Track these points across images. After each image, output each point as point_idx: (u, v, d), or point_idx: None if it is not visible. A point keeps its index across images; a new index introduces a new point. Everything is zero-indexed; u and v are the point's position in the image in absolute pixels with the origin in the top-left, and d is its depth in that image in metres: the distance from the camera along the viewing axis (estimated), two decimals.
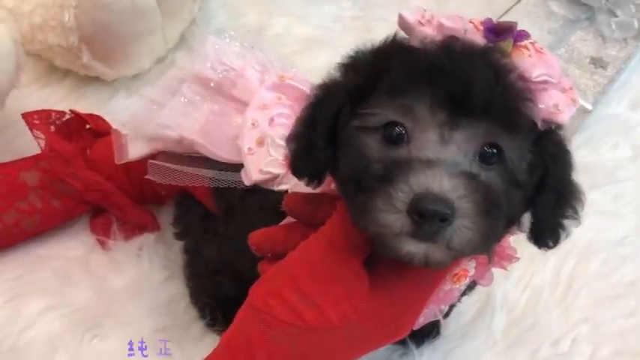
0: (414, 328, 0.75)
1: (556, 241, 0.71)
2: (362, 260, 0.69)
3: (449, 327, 1.09)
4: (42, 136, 1.13)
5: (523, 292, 1.16)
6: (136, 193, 1.15)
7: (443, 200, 0.59)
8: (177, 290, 1.12)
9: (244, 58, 1.04)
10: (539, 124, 0.66)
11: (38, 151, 1.14)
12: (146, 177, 1.02)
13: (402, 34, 0.70)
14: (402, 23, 0.70)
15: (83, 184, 1.10)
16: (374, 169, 0.64)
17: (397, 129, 0.65)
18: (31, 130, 1.14)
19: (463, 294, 0.83)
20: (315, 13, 1.58)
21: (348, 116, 0.67)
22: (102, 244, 1.16)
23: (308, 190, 0.73)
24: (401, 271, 0.68)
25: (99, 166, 1.13)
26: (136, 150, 1.05)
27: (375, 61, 0.68)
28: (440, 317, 0.82)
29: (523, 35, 0.68)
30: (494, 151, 0.64)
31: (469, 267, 0.76)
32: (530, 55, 0.67)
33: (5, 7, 1.28)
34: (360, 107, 0.66)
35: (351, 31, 1.55)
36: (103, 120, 1.22)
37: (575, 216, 0.71)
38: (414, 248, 0.61)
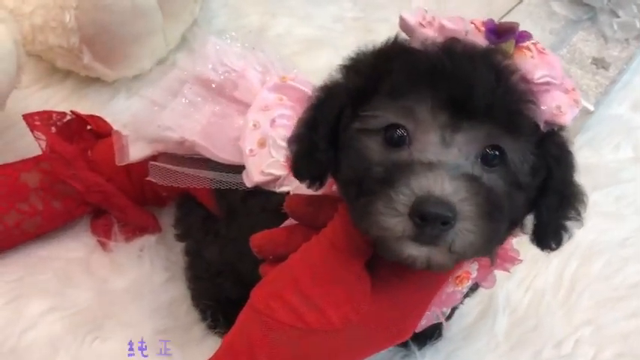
0: (416, 331, 0.75)
1: (559, 242, 0.71)
2: (364, 262, 0.68)
3: (451, 329, 1.09)
4: (43, 137, 1.12)
5: (525, 293, 1.16)
6: (137, 195, 1.15)
7: (444, 203, 0.59)
8: (178, 292, 1.12)
9: (246, 59, 1.03)
10: (542, 125, 0.66)
11: (39, 152, 1.14)
12: (147, 178, 1.02)
13: (403, 35, 0.70)
14: (403, 25, 0.70)
15: (84, 186, 1.10)
16: (375, 171, 0.64)
17: (398, 131, 0.64)
18: (32, 131, 1.14)
19: (465, 296, 0.83)
20: (317, 13, 1.58)
21: (350, 118, 0.67)
22: (103, 245, 1.16)
23: (310, 192, 0.73)
24: (403, 273, 0.68)
25: (100, 168, 1.13)
26: (137, 151, 1.04)
27: (377, 63, 0.68)
28: (442, 319, 0.82)
29: (525, 36, 0.68)
30: (497, 153, 0.64)
31: (471, 269, 0.75)
32: (532, 57, 0.67)
33: (6, 8, 1.28)
34: (361, 109, 0.66)
35: (352, 32, 1.55)
36: (104, 121, 1.22)
37: (578, 218, 0.70)
38: (415, 251, 0.61)
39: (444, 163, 0.62)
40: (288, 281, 0.68)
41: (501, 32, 0.67)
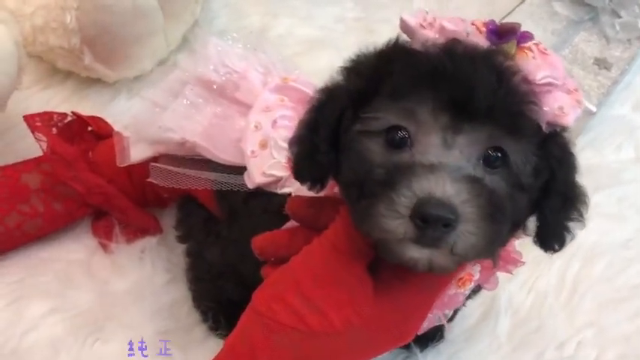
0: (418, 333, 0.74)
1: (562, 244, 0.70)
2: (365, 265, 0.68)
3: (453, 330, 1.09)
4: (44, 138, 1.12)
5: (528, 295, 1.15)
6: (138, 196, 1.15)
7: (446, 205, 0.59)
8: (179, 293, 1.12)
9: (247, 60, 1.03)
10: (544, 126, 0.65)
11: (40, 153, 1.14)
12: (148, 180, 1.02)
13: (404, 37, 0.70)
14: (404, 26, 0.69)
15: (85, 187, 1.10)
16: (376, 173, 0.63)
17: (400, 133, 0.64)
18: (32, 132, 1.13)
19: (467, 297, 0.83)
20: (318, 14, 1.58)
21: (351, 120, 0.67)
22: (104, 247, 1.15)
23: (311, 193, 0.73)
24: (405, 275, 0.68)
25: (101, 169, 1.13)
26: (138, 153, 1.04)
27: (377, 65, 0.68)
28: (444, 322, 0.82)
29: (527, 37, 0.68)
30: (499, 154, 0.64)
31: (474, 271, 0.75)
32: (534, 57, 0.67)
33: (7, 9, 1.27)
34: (362, 111, 0.66)
35: (353, 32, 1.55)
36: (105, 122, 1.22)
37: (580, 219, 0.70)
38: (417, 254, 0.61)
39: (445, 164, 0.62)
40: (290, 283, 0.68)
41: (503, 33, 0.67)
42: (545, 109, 0.65)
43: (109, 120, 1.23)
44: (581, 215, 0.70)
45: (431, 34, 0.68)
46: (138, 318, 1.08)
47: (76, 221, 1.18)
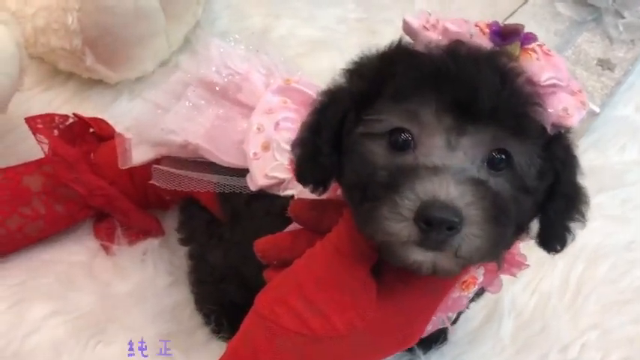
0: (422, 336, 0.74)
1: (563, 244, 0.70)
2: (369, 268, 0.68)
3: (456, 333, 1.09)
4: (45, 140, 1.12)
5: (531, 297, 1.15)
6: (140, 198, 1.15)
7: (450, 208, 0.59)
8: (181, 296, 1.12)
9: (249, 61, 1.03)
10: (549, 128, 0.65)
11: (41, 155, 1.13)
12: (150, 182, 1.01)
13: (406, 38, 0.69)
14: (407, 28, 0.69)
15: (87, 189, 1.10)
16: (379, 176, 0.63)
17: (403, 135, 0.64)
18: (34, 134, 1.13)
19: (471, 300, 0.82)
20: (320, 15, 1.57)
21: (353, 122, 0.67)
22: (106, 249, 1.15)
23: (314, 196, 0.72)
24: (408, 279, 0.68)
25: (102, 171, 1.13)
26: (140, 155, 1.04)
27: (380, 67, 0.67)
28: (447, 324, 0.81)
29: (530, 38, 0.67)
30: (503, 156, 0.64)
31: (478, 274, 0.75)
32: (537, 59, 0.66)
33: (8, 10, 1.28)
34: (365, 113, 0.66)
35: (355, 33, 1.54)
36: (107, 124, 1.22)
37: (582, 219, 0.70)
38: (421, 257, 0.61)
39: (449, 167, 0.61)
40: (293, 287, 0.68)
41: (506, 34, 0.67)
42: (549, 110, 0.65)
43: (110, 121, 1.23)
44: (583, 216, 0.70)
45: (434, 36, 0.67)
46: (140, 320, 1.08)
47: (78, 223, 1.17)
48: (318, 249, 0.69)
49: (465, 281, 0.74)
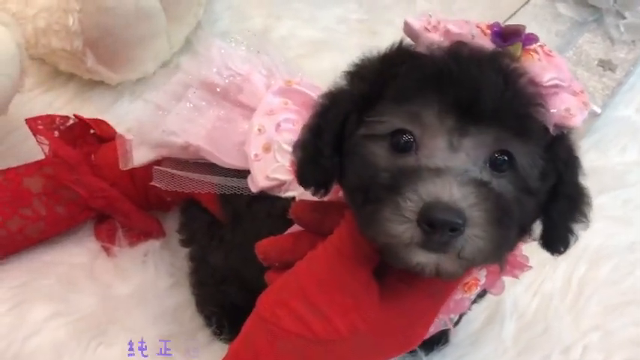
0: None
1: (566, 246, 0.70)
2: (371, 270, 0.68)
3: (458, 334, 1.08)
4: (46, 141, 1.12)
5: (533, 298, 1.15)
6: (141, 200, 1.15)
7: (453, 209, 0.58)
8: (182, 298, 1.11)
9: (250, 62, 1.03)
10: (551, 129, 0.65)
11: (42, 156, 1.13)
12: (151, 183, 1.01)
13: (407, 40, 0.69)
14: (408, 30, 0.69)
15: (88, 191, 1.10)
16: (381, 178, 0.63)
17: (405, 137, 0.64)
18: (34, 135, 1.13)
19: (473, 302, 0.82)
20: (321, 15, 1.58)
21: (355, 124, 0.66)
22: (107, 250, 1.15)
23: (315, 198, 0.72)
24: (411, 281, 0.67)
25: (103, 172, 1.13)
26: (140, 156, 1.04)
27: (381, 68, 0.67)
28: (450, 326, 0.81)
29: (532, 39, 0.67)
30: (505, 158, 0.63)
31: (480, 276, 0.75)
32: (539, 59, 0.66)
33: (9, 11, 1.28)
34: (366, 115, 0.65)
35: (356, 34, 1.55)
36: (108, 125, 1.22)
37: (585, 220, 0.70)
38: (424, 259, 0.60)
39: (451, 168, 0.61)
40: (295, 289, 0.68)
41: (507, 35, 0.66)
42: (552, 111, 0.64)
43: (111, 122, 1.23)
44: (586, 217, 0.70)
45: (436, 37, 0.67)
46: (141, 322, 1.08)
47: (79, 225, 1.17)
48: (319, 251, 0.69)
49: (467, 283, 0.74)
